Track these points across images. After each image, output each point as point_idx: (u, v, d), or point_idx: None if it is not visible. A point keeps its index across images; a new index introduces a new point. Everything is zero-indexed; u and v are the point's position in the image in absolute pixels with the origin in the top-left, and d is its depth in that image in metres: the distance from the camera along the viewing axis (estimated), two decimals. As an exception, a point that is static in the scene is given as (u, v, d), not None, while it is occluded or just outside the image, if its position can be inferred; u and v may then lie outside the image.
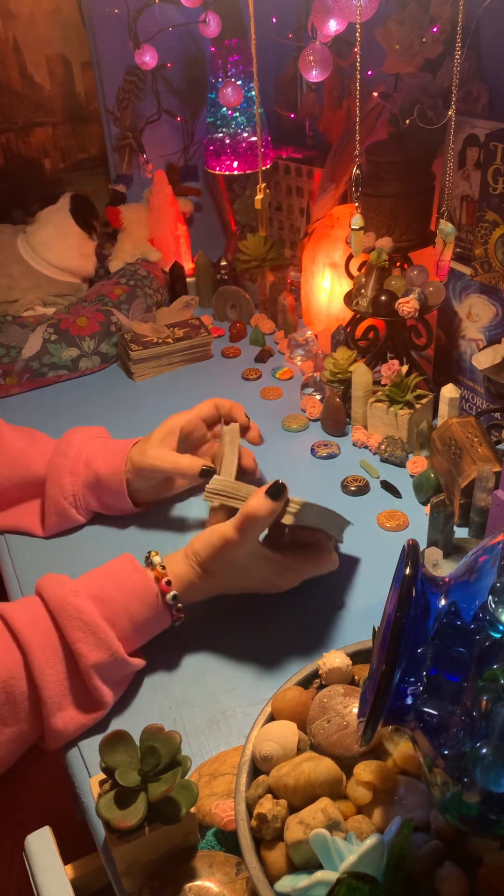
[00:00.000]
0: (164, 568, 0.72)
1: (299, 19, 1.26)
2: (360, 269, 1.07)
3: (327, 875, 0.46)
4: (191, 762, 0.55)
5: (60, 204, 1.37)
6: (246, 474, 0.88)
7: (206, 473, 0.83)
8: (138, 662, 0.71)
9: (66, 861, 0.60)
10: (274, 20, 1.28)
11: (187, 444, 0.90)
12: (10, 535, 0.91)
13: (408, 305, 0.96)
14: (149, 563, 0.73)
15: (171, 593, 0.71)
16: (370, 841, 0.46)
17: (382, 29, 0.96)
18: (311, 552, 0.78)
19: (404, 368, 1.00)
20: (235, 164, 1.30)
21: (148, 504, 0.93)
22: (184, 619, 0.74)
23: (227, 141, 1.29)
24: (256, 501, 0.70)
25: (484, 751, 0.41)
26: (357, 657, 0.61)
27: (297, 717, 0.58)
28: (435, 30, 0.93)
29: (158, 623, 0.72)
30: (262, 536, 0.75)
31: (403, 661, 0.44)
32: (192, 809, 0.55)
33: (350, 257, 1.07)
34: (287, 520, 0.73)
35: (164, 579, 0.71)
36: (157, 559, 0.73)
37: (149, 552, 0.74)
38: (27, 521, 0.91)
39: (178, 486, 0.94)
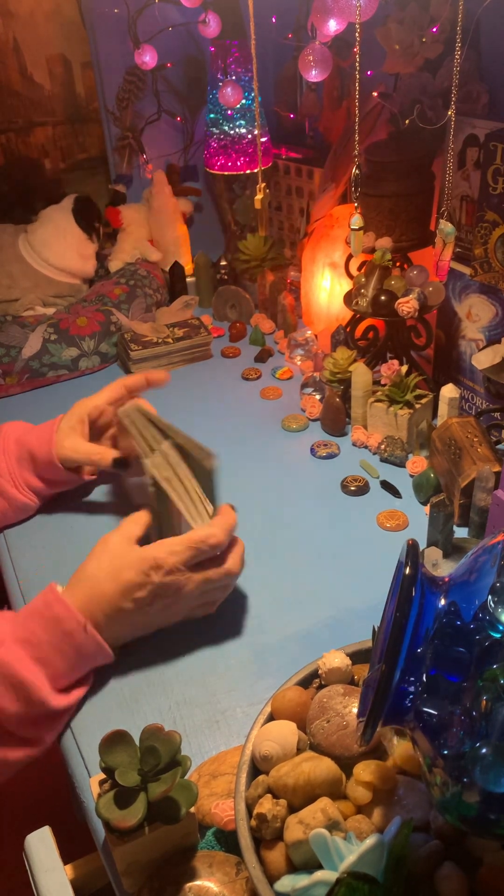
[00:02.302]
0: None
1: (299, 19, 1.26)
2: (359, 269, 1.07)
3: (327, 875, 0.46)
4: (191, 762, 0.55)
5: (63, 203, 1.37)
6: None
7: (119, 464, 0.86)
8: (67, 701, 0.67)
9: (66, 861, 0.60)
10: (274, 20, 1.28)
11: (94, 429, 0.92)
12: (11, 535, 0.91)
13: (407, 305, 0.96)
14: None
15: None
16: (370, 841, 0.46)
17: (382, 29, 0.96)
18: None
19: (404, 368, 1.00)
20: (235, 164, 1.30)
21: (93, 473, 0.94)
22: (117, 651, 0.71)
23: (227, 141, 1.29)
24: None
25: (484, 751, 0.41)
26: (357, 657, 0.61)
27: (296, 716, 0.58)
28: (435, 30, 0.93)
29: (85, 648, 0.68)
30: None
31: (403, 661, 0.44)
32: (192, 809, 0.55)
33: (350, 257, 1.07)
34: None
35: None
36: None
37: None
38: None
39: (89, 473, 0.95)
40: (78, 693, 0.69)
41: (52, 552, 0.89)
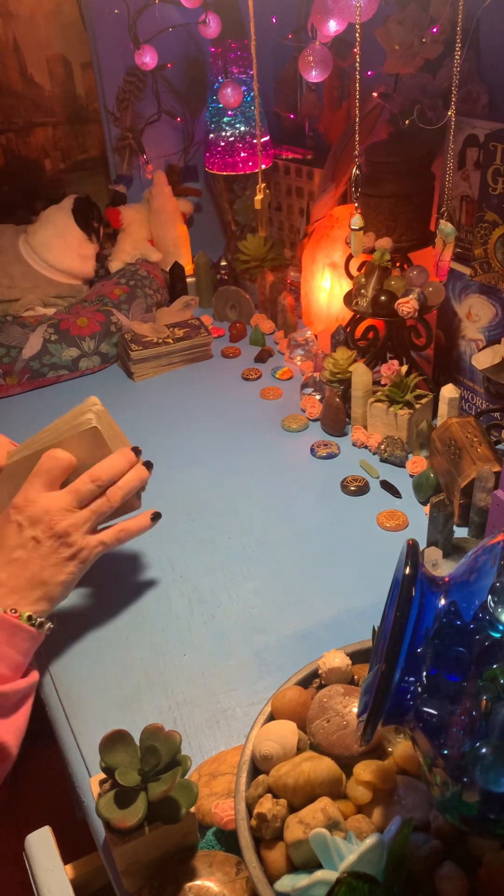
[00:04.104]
0: None
1: (299, 20, 1.26)
2: (359, 269, 1.07)
3: (327, 875, 0.46)
4: (191, 762, 0.55)
5: (63, 204, 1.37)
6: None
7: None
8: (21, 683, 0.65)
9: (66, 861, 0.60)
10: (274, 21, 1.28)
11: None
12: None
13: (407, 305, 0.96)
14: None
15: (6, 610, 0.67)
16: (370, 840, 0.46)
17: (382, 29, 0.96)
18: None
19: (404, 368, 1.00)
20: (235, 164, 1.30)
21: None
22: (49, 625, 0.70)
23: (227, 141, 1.29)
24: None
25: (484, 750, 0.41)
26: (357, 657, 0.61)
27: (296, 716, 0.58)
28: (435, 30, 0.93)
29: (17, 638, 0.66)
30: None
31: (403, 661, 0.44)
32: (192, 809, 0.55)
33: (350, 257, 1.07)
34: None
35: None
36: None
37: None
38: None
39: None
40: (27, 680, 0.66)
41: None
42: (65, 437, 0.76)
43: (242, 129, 1.28)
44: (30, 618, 0.67)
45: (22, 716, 0.65)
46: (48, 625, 0.69)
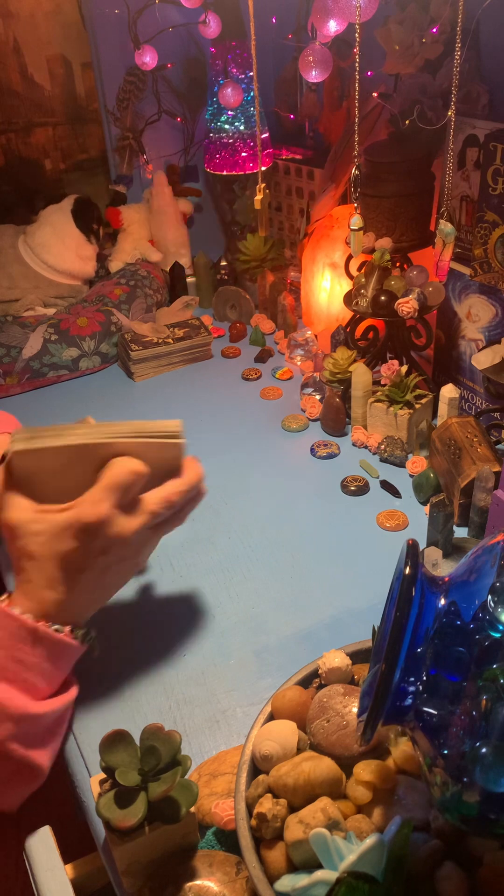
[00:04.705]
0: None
1: (299, 20, 1.26)
2: (359, 269, 1.07)
3: (327, 874, 0.46)
4: (191, 762, 0.55)
5: (63, 205, 1.37)
6: None
7: None
8: (59, 703, 0.63)
9: (66, 861, 0.60)
10: (274, 21, 1.28)
11: None
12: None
13: (407, 305, 0.96)
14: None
15: (51, 626, 0.62)
16: (370, 840, 0.46)
17: (382, 29, 0.96)
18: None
19: (404, 368, 1.00)
20: (235, 164, 1.30)
21: None
22: (93, 636, 0.66)
23: (227, 141, 1.29)
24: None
25: (484, 751, 0.41)
26: (357, 657, 0.61)
27: (296, 716, 0.58)
28: (435, 30, 0.93)
29: (65, 653, 0.64)
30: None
31: (403, 661, 0.44)
32: (192, 809, 0.55)
33: (350, 257, 1.07)
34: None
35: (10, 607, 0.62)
36: None
37: None
38: None
39: None
40: (64, 698, 0.64)
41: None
42: (145, 441, 0.66)
43: (242, 129, 1.28)
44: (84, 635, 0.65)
45: (59, 737, 0.64)
46: (93, 634, 0.67)
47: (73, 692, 0.65)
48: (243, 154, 1.29)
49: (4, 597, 0.64)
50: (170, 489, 0.67)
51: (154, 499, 0.66)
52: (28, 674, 0.61)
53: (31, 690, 0.61)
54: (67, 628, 0.64)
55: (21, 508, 0.63)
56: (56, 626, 0.63)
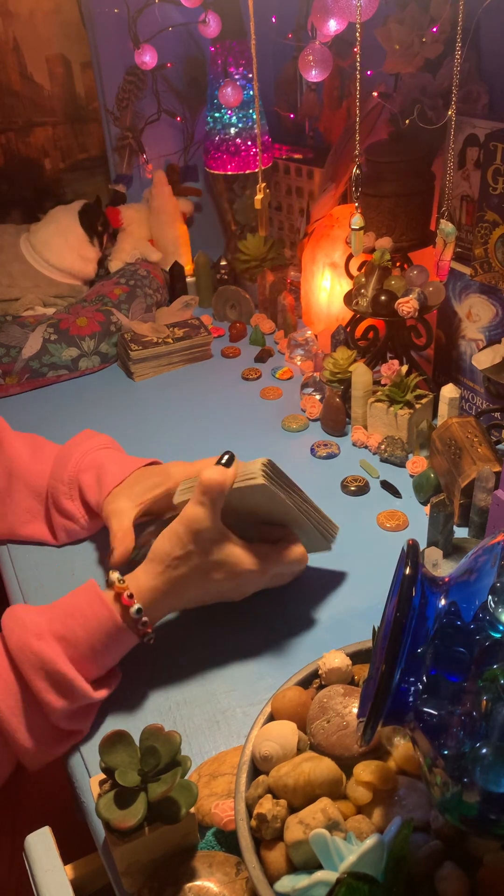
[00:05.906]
0: (122, 582, 0.68)
1: (299, 19, 1.26)
2: (359, 269, 1.07)
3: (327, 875, 0.46)
4: (191, 762, 0.55)
5: (71, 205, 1.37)
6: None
7: (120, 564, 0.77)
8: (105, 693, 0.69)
9: (66, 861, 0.60)
10: (274, 20, 1.28)
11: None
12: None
13: (407, 305, 0.96)
14: (109, 583, 0.69)
15: (135, 606, 0.67)
16: (370, 841, 0.46)
17: (382, 29, 0.96)
18: (278, 545, 0.76)
19: (404, 368, 1.00)
20: (235, 164, 1.30)
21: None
22: (153, 635, 0.70)
23: (227, 141, 1.29)
24: (209, 471, 0.68)
25: (484, 751, 0.41)
26: (357, 657, 0.61)
27: (296, 717, 0.58)
28: (435, 30, 0.93)
29: (124, 645, 0.69)
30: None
31: (403, 661, 0.44)
32: (192, 809, 0.55)
33: (350, 257, 1.07)
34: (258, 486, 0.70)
35: (126, 593, 0.68)
36: (114, 576, 0.69)
37: (108, 572, 0.70)
38: (37, 529, 0.90)
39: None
40: (115, 682, 0.71)
41: (54, 555, 0.89)
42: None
43: (242, 128, 1.28)
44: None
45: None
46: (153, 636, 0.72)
47: (119, 677, 0.71)
48: (243, 154, 1.29)
49: (123, 579, 0.70)
50: (287, 568, 0.77)
51: (276, 560, 0.75)
52: (97, 658, 0.67)
53: (93, 672, 0.68)
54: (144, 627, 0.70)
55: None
56: (143, 620, 0.69)
